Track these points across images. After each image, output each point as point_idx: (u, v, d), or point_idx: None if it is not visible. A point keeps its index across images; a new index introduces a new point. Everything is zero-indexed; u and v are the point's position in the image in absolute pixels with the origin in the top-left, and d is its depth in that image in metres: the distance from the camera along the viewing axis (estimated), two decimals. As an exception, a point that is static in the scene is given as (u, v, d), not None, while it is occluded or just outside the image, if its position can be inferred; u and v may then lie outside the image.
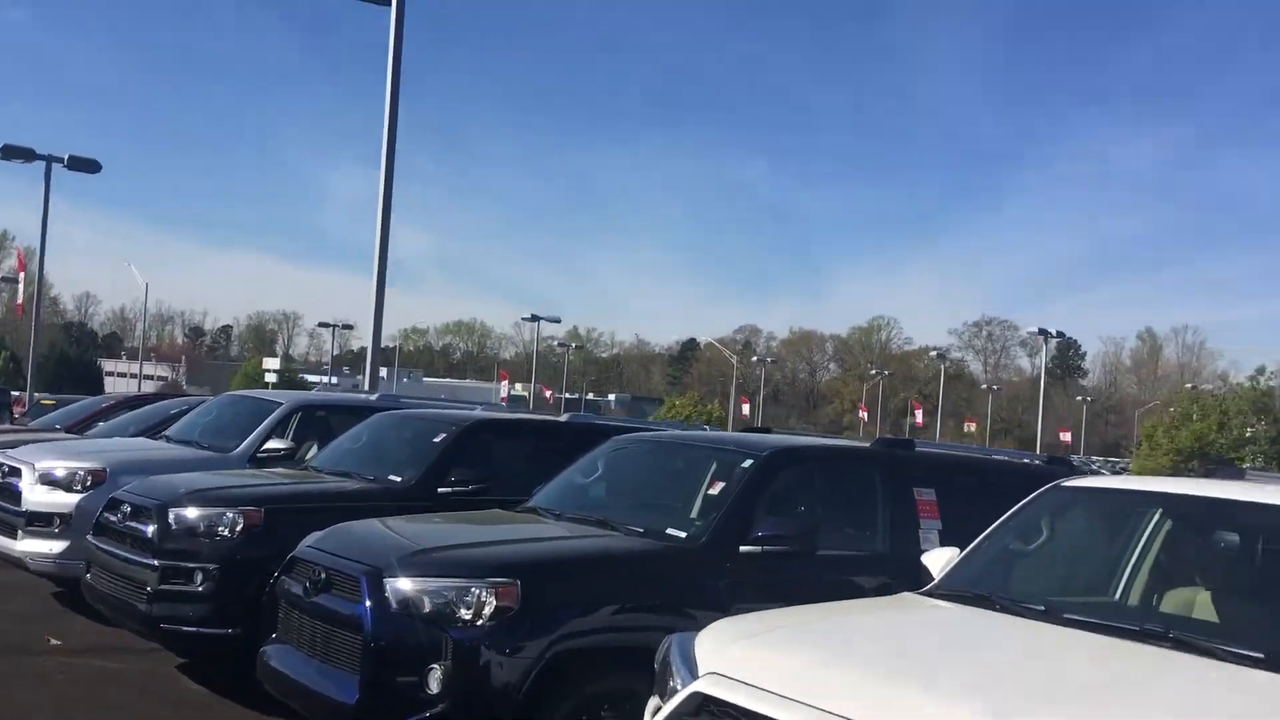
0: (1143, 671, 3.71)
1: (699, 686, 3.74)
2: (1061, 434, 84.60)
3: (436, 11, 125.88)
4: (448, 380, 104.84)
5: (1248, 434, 41.90)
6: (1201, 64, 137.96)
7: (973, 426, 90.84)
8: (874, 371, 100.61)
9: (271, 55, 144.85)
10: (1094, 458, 78.61)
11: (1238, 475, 5.47)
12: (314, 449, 9.99)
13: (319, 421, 10.60)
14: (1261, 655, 3.69)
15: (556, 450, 7.88)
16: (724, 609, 5.24)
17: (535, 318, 65.60)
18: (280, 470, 9.20)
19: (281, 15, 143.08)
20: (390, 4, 17.20)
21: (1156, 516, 5.03)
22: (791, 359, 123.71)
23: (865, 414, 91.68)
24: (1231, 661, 3.70)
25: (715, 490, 6.37)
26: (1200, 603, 4.55)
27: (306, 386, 63.08)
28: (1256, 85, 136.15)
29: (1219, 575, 4.68)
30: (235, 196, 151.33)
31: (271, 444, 9.93)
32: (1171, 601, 4.65)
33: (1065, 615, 4.21)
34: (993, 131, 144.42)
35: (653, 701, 4.10)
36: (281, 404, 10.62)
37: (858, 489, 6.88)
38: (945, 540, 5.97)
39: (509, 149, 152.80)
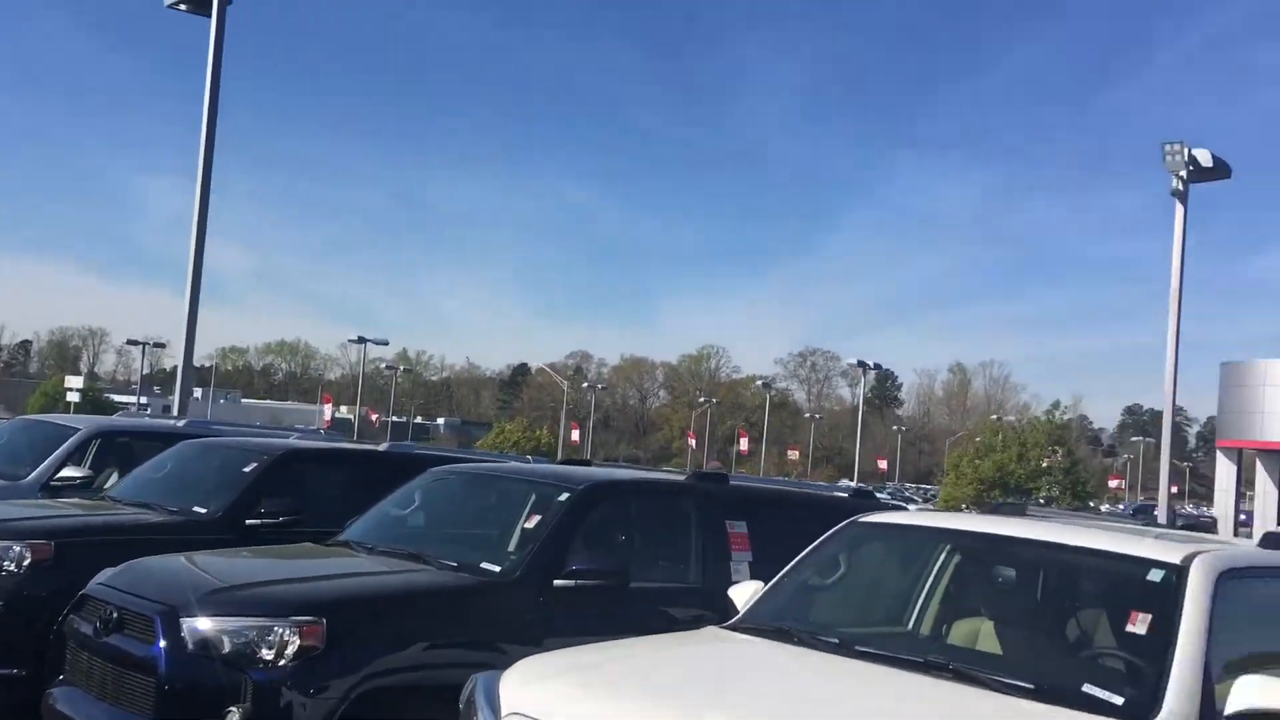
0: (918, 704, 3.92)
1: (501, 727, 3.75)
2: (879, 462, 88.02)
3: (261, 22, 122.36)
4: (268, 402, 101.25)
5: (1044, 465, 44.62)
6: (1011, 113, 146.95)
7: (795, 454, 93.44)
8: (702, 399, 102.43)
9: (84, 61, 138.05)
10: (907, 485, 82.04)
11: (1019, 512, 5.84)
12: (114, 477, 9.52)
13: (120, 448, 10.09)
14: (1032, 686, 3.93)
15: (375, 480, 7.72)
16: (538, 643, 5.26)
17: (362, 339, 64.08)
18: (75, 500, 8.73)
19: (95, 21, 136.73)
20: (210, 14, 16.68)
21: (945, 551, 5.31)
22: (623, 385, 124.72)
23: (694, 441, 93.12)
24: (1004, 692, 3.92)
25: (531, 524, 6.38)
26: (984, 634, 4.81)
27: (112, 406, 59.84)
28: (1059, 136, 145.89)
29: (1001, 608, 4.95)
30: (39, 206, 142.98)
31: (67, 471, 9.40)
32: (959, 632, 4.89)
33: (857, 648, 4.40)
34: (821, 167, 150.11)
35: (456, 742, 4.08)
36: (79, 429, 10.07)
37: (672, 522, 7.01)
38: (756, 572, 6.14)
39: (336, 165, 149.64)
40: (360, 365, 72.71)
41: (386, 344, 67.69)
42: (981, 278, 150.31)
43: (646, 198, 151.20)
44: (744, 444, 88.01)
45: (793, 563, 5.23)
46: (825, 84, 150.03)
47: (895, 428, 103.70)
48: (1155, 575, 4.24)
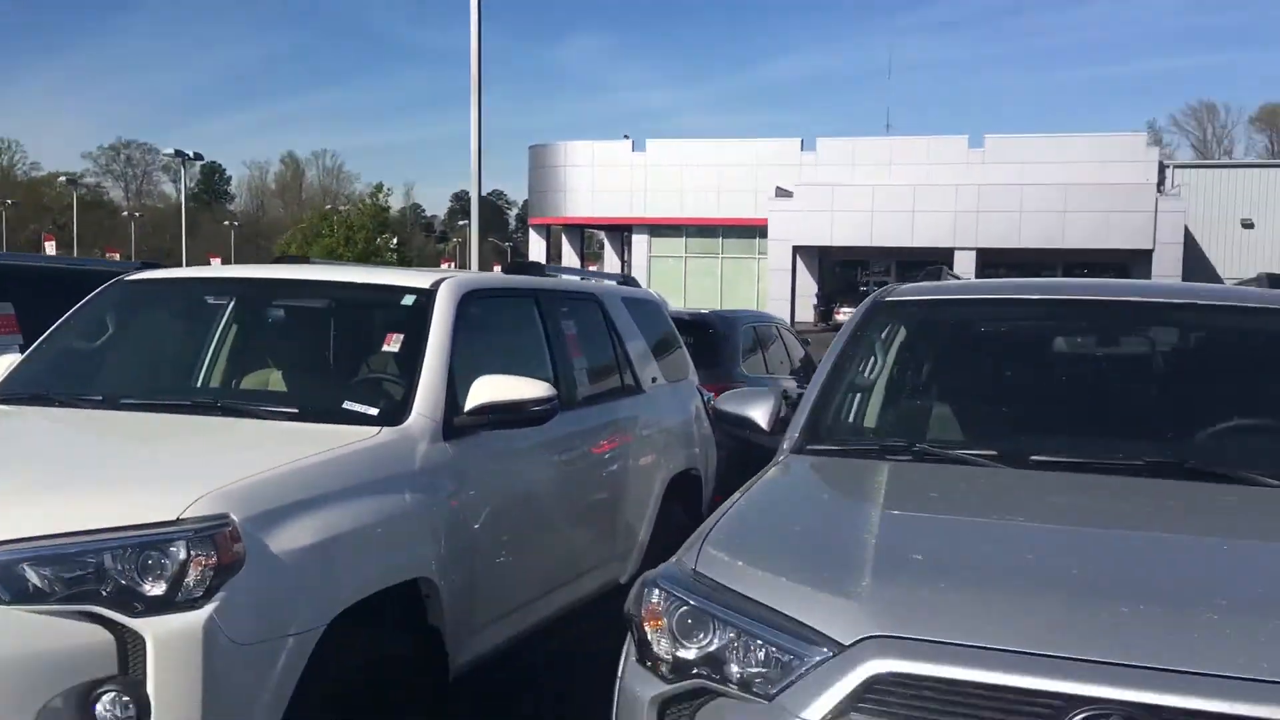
0: (172, 436, 3.95)
1: None
2: (212, 259, 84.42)
3: None
4: None
5: (375, 245, 46.17)
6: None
7: (117, 256, 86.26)
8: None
9: None
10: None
11: (303, 259, 5.95)
12: None
13: None
14: (297, 410, 4.15)
15: None
16: None
17: None
18: None
19: None
20: None
21: (230, 304, 5.23)
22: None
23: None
24: (269, 418, 4.10)
25: None
26: (274, 381, 4.87)
27: None
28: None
29: (288, 354, 5.02)
30: None
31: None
32: (251, 382, 4.90)
33: (123, 401, 4.26)
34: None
35: None
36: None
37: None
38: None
39: None
40: None
41: None
42: (309, 65, 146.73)
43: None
44: (51, 249, 79.14)
45: (52, 328, 4.85)
46: None
47: (227, 223, 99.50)
48: (409, 300, 4.59)
